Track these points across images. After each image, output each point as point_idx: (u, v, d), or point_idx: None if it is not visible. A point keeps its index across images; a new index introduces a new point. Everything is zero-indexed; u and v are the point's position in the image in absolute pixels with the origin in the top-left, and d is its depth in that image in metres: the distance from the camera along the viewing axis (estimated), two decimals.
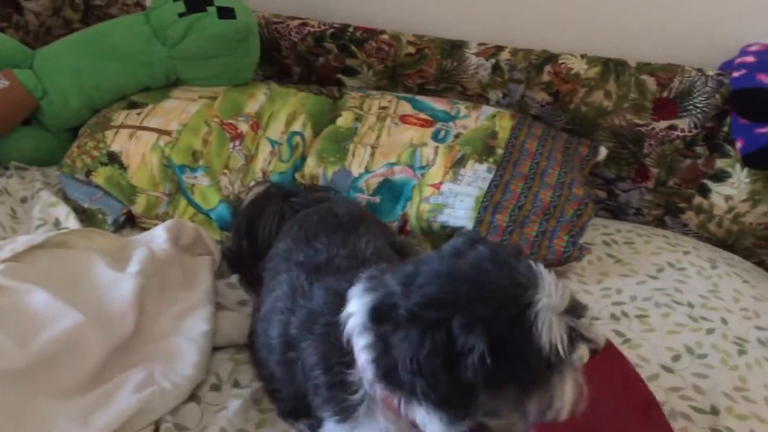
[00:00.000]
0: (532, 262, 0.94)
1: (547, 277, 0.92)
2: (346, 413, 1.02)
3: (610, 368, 1.11)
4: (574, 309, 0.94)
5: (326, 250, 1.24)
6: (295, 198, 1.56)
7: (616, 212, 2.08)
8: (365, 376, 0.99)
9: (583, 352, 0.95)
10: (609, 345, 1.12)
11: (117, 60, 1.80)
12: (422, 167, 1.70)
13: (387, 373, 0.95)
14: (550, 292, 0.91)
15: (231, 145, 1.74)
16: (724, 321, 1.49)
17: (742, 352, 1.39)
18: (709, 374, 1.31)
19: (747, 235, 1.96)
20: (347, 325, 1.00)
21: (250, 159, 1.74)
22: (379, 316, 0.96)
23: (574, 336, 0.92)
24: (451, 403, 0.91)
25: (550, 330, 0.88)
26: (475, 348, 0.87)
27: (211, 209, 1.65)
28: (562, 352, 0.88)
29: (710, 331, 1.44)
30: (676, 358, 1.35)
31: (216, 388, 1.20)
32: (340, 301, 1.05)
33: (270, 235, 1.46)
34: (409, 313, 0.91)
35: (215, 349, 1.28)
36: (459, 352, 0.88)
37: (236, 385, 1.22)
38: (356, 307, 1.00)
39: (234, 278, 1.48)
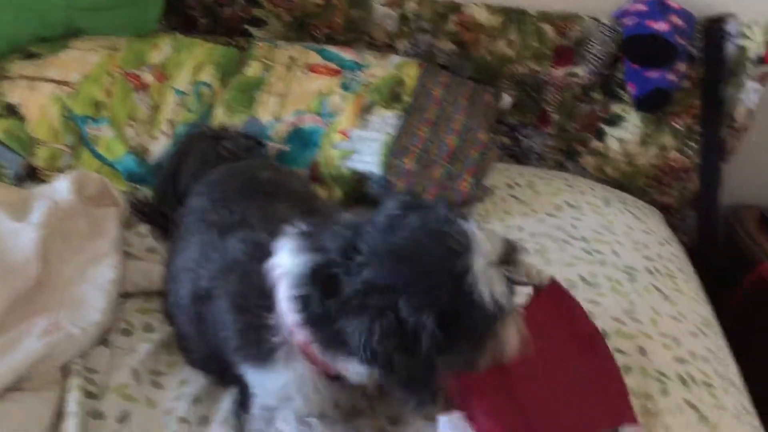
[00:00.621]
0: (462, 222, 0.95)
1: (479, 235, 0.93)
2: (262, 358, 1.03)
3: (556, 305, 1.17)
4: (509, 255, 0.95)
5: (241, 212, 1.23)
6: (224, 142, 1.55)
7: (520, 157, 2.16)
8: (286, 322, 1.00)
9: (522, 295, 1.03)
10: (555, 284, 1.18)
11: (8, 9, 1.73)
12: (331, 115, 1.72)
13: (325, 334, 0.97)
14: (485, 250, 0.92)
15: (135, 95, 1.71)
16: (615, 253, 1.59)
17: (631, 280, 1.49)
18: (601, 301, 1.41)
19: (639, 176, 2.08)
20: (273, 273, 1.02)
21: (155, 109, 1.71)
22: (318, 281, 0.96)
23: (512, 284, 0.95)
24: (413, 382, 0.94)
25: (490, 287, 0.91)
26: (425, 327, 0.90)
27: (117, 161, 1.63)
28: (503, 303, 0.92)
29: (603, 263, 1.54)
30: (572, 287, 1.44)
31: (127, 332, 1.21)
32: (260, 251, 1.06)
33: (193, 178, 1.44)
34: (355, 295, 0.93)
35: (126, 296, 1.28)
36: (410, 333, 0.91)
37: (148, 329, 1.23)
38: (289, 262, 1.00)
39: (143, 227, 1.47)
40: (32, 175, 1.63)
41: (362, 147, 1.66)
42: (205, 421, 1.06)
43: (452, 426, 0.95)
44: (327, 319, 0.95)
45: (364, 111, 1.71)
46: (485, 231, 0.95)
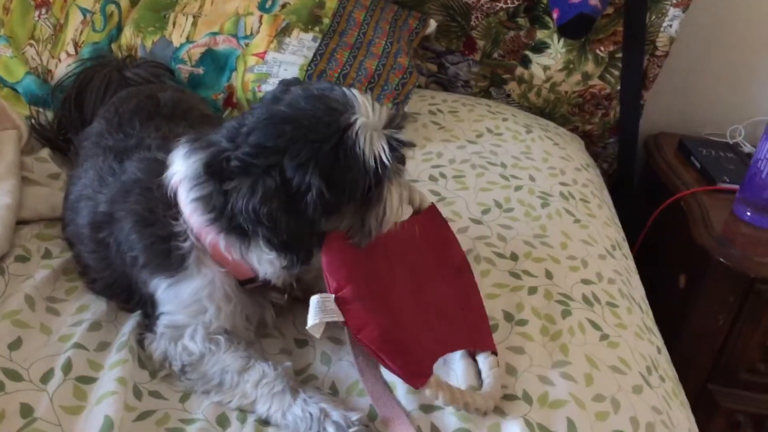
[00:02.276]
0: (345, 88, 0.98)
1: (362, 98, 0.96)
2: (173, 268, 1.02)
3: (433, 230, 1.16)
4: (393, 120, 0.98)
5: (138, 135, 1.20)
6: (132, 70, 1.49)
7: (446, 85, 2.14)
8: (192, 226, 1.00)
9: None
10: (434, 211, 1.17)
11: None
12: (246, 37, 1.66)
13: (224, 223, 0.97)
14: (367, 111, 0.95)
15: (36, 13, 1.61)
16: (531, 178, 1.60)
17: (545, 204, 1.51)
18: (513, 225, 1.42)
19: (562, 103, 2.09)
20: (171, 181, 1.00)
21: (59, 28, 1.63)
22: (212, 171, 0.96)
23: (395, 144, 0.97)
24: (295, 244, 0.95)
25: (372, 144, 0.93)
26: (311, 185, 0.91)
27: (17, 82, 1.55)
28: (386, 161, 0.94)
29: (518, 188, 1.55)
30: (485, 211, 1.45)
31: (23, 259, 1.17)
32: (158, 167, 1.04)
33: (95, 107, 1.40)
34: (240, 163, 0.94)
35: (24, 222, 1.23)
36: (296, 192, 0.92)
37: (47, 256, 1.19)
38: (183, 166, 1.00)
39: (45, 152, 1.41)
40: None
41: (278, 70, 1.61)
42: (104, 346, 1.04)
43: (321, 308, 0.92)
44: (230, 210, 0.95)
45: (281, 33, 1.66)
46: (369, 98, 0.97)
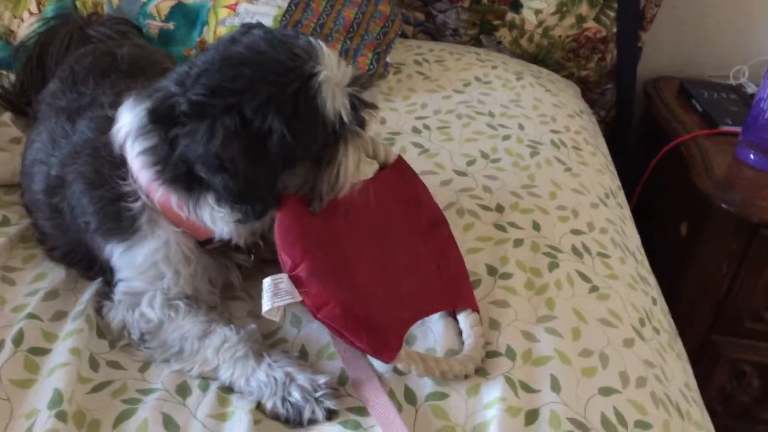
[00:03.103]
0: (311, 38, 0.91)
1: (327, 51, 0.90)
2: (125, 231, 0.96)
3: (401, 186, 1.09)
4: (357, 80, 0.93)
5: (92, 93, 1.12)
6: (95, 28, 1.41)
7: (435, 34, 2.05)
8: (142, 183, 0.93)
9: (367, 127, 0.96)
10: (402, 165, 1.10)
11: None
12: None
13: (171, 175, 0.90)
14: (331, 65, 0.89)
15: None
16: (521, 127, 1.52)
17: (534, 153, 1.44)
18: (499, 176, 1.35)
19: (556, 49, 1.99)
20: (118, 137, 0.94)
21: None
22: (158, 118, 0.90)
23: (357, 104, 0.92)
24: (254, 194, 0.88)
25: (333, 99, 0.88)
26: (273, 129, 0.85)
27: None
28: (345, 119, 0.89)
29: (506, 137, 1.48)
30: (471, 162, 1.38)
31: None
32: (110, 124, 0.97)
33: (57, 68, 1.32)
34: (192, 106, 0.87)
35: None
36: (256, 136, 0.85)
37: (4, 223, 1.13)
38: (129, 117, 0.93)
39: (6, 116, 1.34)
40: None
41: (251, 22, 1.53)
42: (60, 315, 0.99)
43: (274, 291, 0.86)
44: (178, 159, 0.88)
45: None
46: (334, 53, 0.92)
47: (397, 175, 1.09)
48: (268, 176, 0.89)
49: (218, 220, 0.93)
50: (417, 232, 1.07)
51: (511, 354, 0.98)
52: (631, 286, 1.20)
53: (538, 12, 1.95)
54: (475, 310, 1.03)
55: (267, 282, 0.87)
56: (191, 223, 0.95)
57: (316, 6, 1.58)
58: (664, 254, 1.71)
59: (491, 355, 0.98)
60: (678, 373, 1.11)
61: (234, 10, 1.54)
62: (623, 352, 1.03)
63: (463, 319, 1.02)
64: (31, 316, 0.97)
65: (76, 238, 1.03)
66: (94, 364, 0.94)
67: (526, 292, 1.09)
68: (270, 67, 0.87)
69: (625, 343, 1.05)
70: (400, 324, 0.94)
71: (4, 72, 1.45)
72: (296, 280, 0.88)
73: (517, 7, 1.96)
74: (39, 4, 1.54)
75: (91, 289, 1.04)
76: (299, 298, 0.87)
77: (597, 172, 1.48)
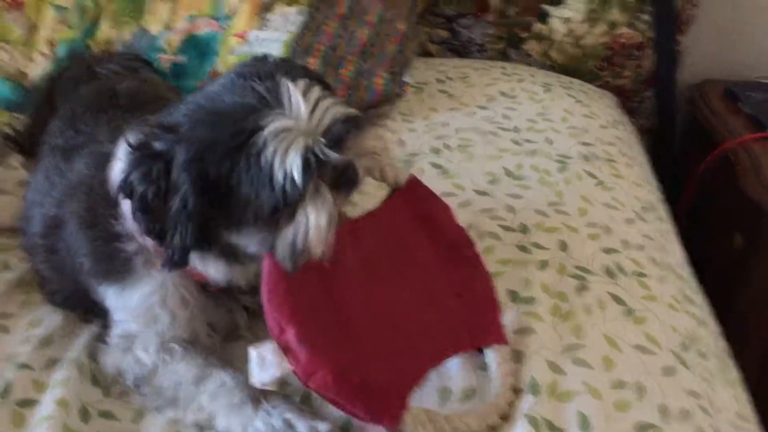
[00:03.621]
0: (286, 80, 0.81)
1: (295, 95, 0.79)
2: (119, 272, 0.92)
3: (415, 208, 0.98)
4: (339, 124, 0.81)
5: (89, 130, 1.08)
6: (104, 66, 1.39)
7: (460, 51, 1.99)
8: (131, 224, 0.88)
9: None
10: (416, 185, 0.99)
11: None
12: (227, 17, 1.54)
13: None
14: (297, 112, 0.79)
15: (8, 15, 1.53)
16: (548, 141, 1.43)
17: (562, 168, 1.35)
18: (524, 194, 1.26)
19: (588, 58, 1.90)
20: (113, 174, 0.89)
21: (32, 29, 1.54)
22: (140, 162, 0.82)
23: (320, 158, 0.79)
24: (164, 235, 0.81)
25: (284, 156, 0.77)
26: (180, 184, 0.78)
27: None
28: (297, 180, 0.77)
29: (532, 153, 1.39)
30: (493, 181, 1.30)
31: None
32: (104, 160, 0.93)
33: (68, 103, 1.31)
34: (139, 142, 0.82)
35: None
36: (172, 183, 0.79)
37: (4, 268, 1.10)
38: (122, 153, 0.88)
39: (15, 159, 1.33)
40: None
41: (261, 49, 1.49)
42: (52, 364, 0.94)
43: (260, 362, 0.78)
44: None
45: (264, 9, 1.53)
46: (316, 92, 0.80)
47: (411, 197, 0.99)
48: (179, 230, 0.80)
49: (209, 263, 0.87)
50: (434, 258, 0.98)
51: (535, 388, 0.89)
52: (673, 307, 1.09)
53: (566, 21, 1.86)
54: (503, 342, 0.94)
55: (252, 353, 0.80)
56: (186, 272, 0.89)
57: (328, 29, 1.53)
58: (716, 269, 1.59)
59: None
60: (729, 402, 0.99)
61: (244, 39, 1.50)
62: (663, 382, 0.93)
63: (491, 353, 0.92)
64: (22, 366, 0.93)
65: (74, 279, 0.99)
66: (84, 415, 0.88)
67: (552, 318, 1.00)
68: (212, 118, 0.80)
69: (665, 371, 0.95)
70: (407, 379, 0.84)
71: (15, 114, 1.44)
72: (284, 348, 0.79)
73: (544, 17, 1.88)
74: (51, 44, 1.53)
75: (87, 334, 0.99)
76: (288, 368, 0.79)
77: (633, 185, 1.38)
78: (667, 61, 1.89)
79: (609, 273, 1.10)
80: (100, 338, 0.97)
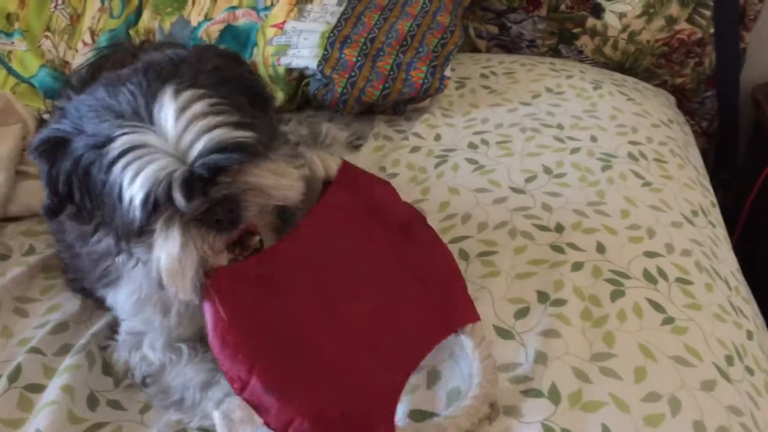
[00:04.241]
0: (170, 88, 0.73)
1: (166, 109, 0.71)
2: (112, 275, 0.89)
3: (356, 199, 0.89)
4: (213, 156, 0.71)
5: None
6: (145, 53, 1.40)
7: (510, 47, 1.92)
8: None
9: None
10: (349, 173, 0.90)
11: None
12: (266, 8, 1.53)
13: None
14: (162, 130, 0.70)
15: (52, 4, 1.56)
16: (593, 139, 1.36)
17: (606, 167, 1.27)
18: (563, 193, 1.20)
19: (645, 55, 1.81)
20: None
21: (75, 18, 1.56)
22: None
23: (188, 189, 0.71)
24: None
25: (133, 178, 0.69)
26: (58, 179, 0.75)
27: (32, 77, 1.49)
28: (137, 214, 0.70)
29: (575, 150, 1.32)
30: (530, 179, 1.24)
31: (2, 257, 1.09)
32: None
33: None
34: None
35: (13, 219, 1.15)
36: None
37: (29, 253, 1.10)
38: None
39: None
40: None
41: (298, 40, 1.46)
42: (64, 350, 0.93)
43: (228, 423, 0.71)
44: None
45: (302, 0, 1.51)
46: (198, 118, 0.70)
47: (348, 185, 0.89)
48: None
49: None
50: (389, 247, 0.88)
51: (554, 395, 0.83)
52: (719, 318, 1.01)
53: (622, 16, 1.78)
54: (476, 319, 0.87)
55: (216, 416, 0.73)
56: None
57: (367, 20, 1.49)
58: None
59: (530, 394, 0.83)
60: None
61: (281, 29, 1.48)
62: (700, 397, 0.86)
63: (466, 338, 0.86)
64: (33, 350, 0.92)
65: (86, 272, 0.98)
66: (93, 403, 0.87)
67: (582, 323, 0.94)
68: (84, 118, 0.75)
69: (704, 385, 0.88)
70: (388, 398, 0.77)
71: (56, 103, 1.45)
72: (251, 402, 0.73)
73: (598, 12, 1.80)
74: (93, 34, 1.54)
75: (102, 322, 0.98)
76: (260, 422, 0.73)
77: (684, 187, 1.29)
78: (730, 59, 1.79)
79: (649, 278, 1.03)
80: (112, 331, 0.95)
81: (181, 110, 0.70)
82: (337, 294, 0.81)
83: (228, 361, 0.74)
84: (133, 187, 0.69)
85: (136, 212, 0.70)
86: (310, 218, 0.84)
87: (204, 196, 0.72)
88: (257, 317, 0.76)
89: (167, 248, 0.72)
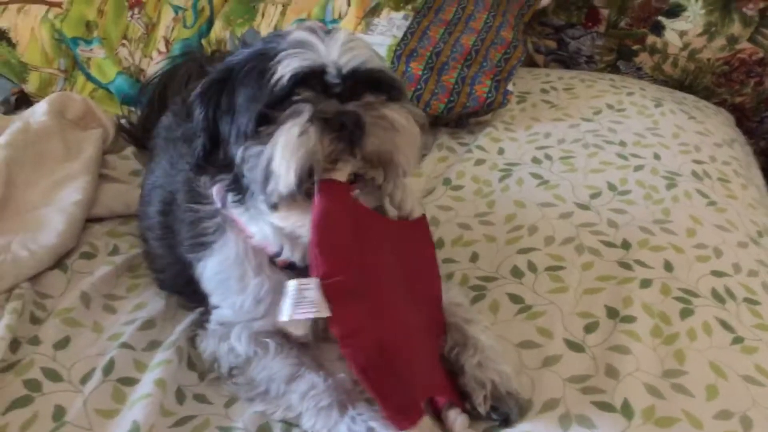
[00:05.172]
0: (342, 31, 0.84)
1: (338, 37, 0.82)
2: (203, 243, 0.95)
3: (418, 243, 0.93)
4: (358, 75, 0.81)
5: None
6: (214, 65, 1.45)
7: (568, 62, 1.94)
8: (218, 201, 0.92)
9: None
10: (423, 221, 0.95)
11: None
12: (334, 20, 1.57)
13: (229, 182, 0.87)
14: (325, 43, 0.81)
15: (129, 13, 1.62)
16: (656, 156, 1.38)
17: (671, 185, 1.29)
18: (628, 210, 1.21)
19: (705, 73, 1.82)
20: None
21: (151, 27, 1.62)
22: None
23: (327, 87, 0.80)
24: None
25: (288, 60, 0.79)
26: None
27: (110, 83, 1.56)
28: (283, 83, 0.79)
29: (639, 168, 1.34)
30: (595, 195, 1.26)
31: (89, 256, 1.14)
32: None
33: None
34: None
35: (96, 220, 1.21)
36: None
37: (114, 252, 1.15)
38: None
39: (129, 150, 1.39)
40: (28, 102, 1.58)
41: None
42: (153, 345, 0.98)
43: (298, 297, 0.72)
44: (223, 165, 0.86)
45: (370, 14, 1.55)
46: (354, 43, 0.81)
47: (413, 232, 0.93)
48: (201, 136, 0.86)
49: (247, 214, 0.88)
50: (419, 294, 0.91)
51: (628, 411, 0.85)
52: None
53: (683, 34, 1.79)
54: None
55: (292, 285, 0.75)
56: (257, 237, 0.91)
57: (432, 34, 1.53)
58: None
59: (602, 407, 0.85)
60: None
61: None
62: None
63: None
64: (124, 345, 0.97)
65: (180, 257, 1.02)
66: (180, 397, 0.91)
67: (652, 339, 0.95)
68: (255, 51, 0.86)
69: None
70: (422, 387, 0.80)
71: (132, 109, 1.51)
72: (328, 292, 0.74)
73: (659, 29, 1.81)
74: (167, 43, 1.60)
75: (188, 319, 1.02)
76: (327, 313, 0.73)
77: (748, 207, 1.30)
78: None
79: (717, 297, 1.04)
80: (200, 324, 0.99)
81: (348, 41, 0.81)
82: (402, 290, 0.86)
83: (326, 243, 0.75)
84: (288, 65, 0.78)
85: (284, 80, 0.78)
86: (393, 224, 0.88)
87: (341, 103, 0.79)
88: (357, 240, 0.79)
89: (289, 132, 0.77)
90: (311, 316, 0.74)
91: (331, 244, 0.77)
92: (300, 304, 0.74)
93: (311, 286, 0.74)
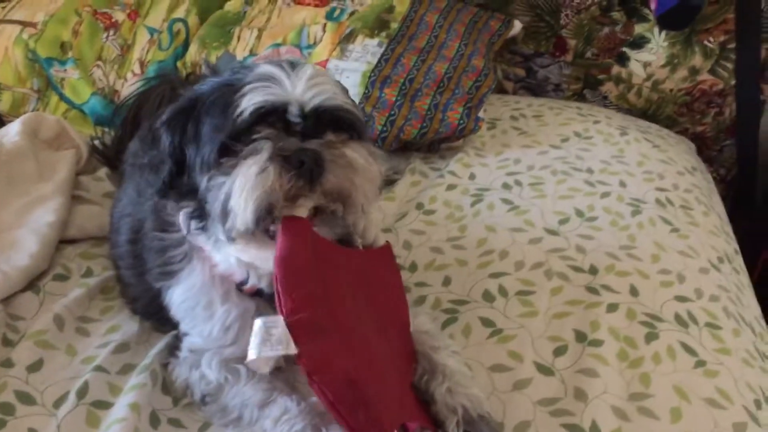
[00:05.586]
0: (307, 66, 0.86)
1: (303, 73, 0.84)
2: (173, 272, 0.96)
3: (384, 270, 0.95)
4: (321, 112, 0.83)
5: None
6: (188, 87, 1.46)
7: (536, 89, 1.99)
8: (183, 228, 0.92)
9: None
10: (388, 249, 0.97)
11: None
12: (309, 46, 1.59)
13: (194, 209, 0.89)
14: (291, 78, 0.83)
15: (104, 35, 1.62)
16: (622, 184, 1.42)
17: (636, 212, 1.33)
18: (595, 236, 1.25)
19: (667, 103, 1.88)
20: None
21: (126, 49, 1.63)
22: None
23: (287, 124, 0.82)
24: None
25: (251, 94, 0.81)
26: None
27: (84, 103, 1.55)
28: (244, 117, 0.80)
29: (605, 195, 1.37)
30: (563, 221, 1.29)
31: (61, 278, 1.14)
32: None
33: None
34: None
35: (69, 241, 1.20)
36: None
37: (87, 275, 1.15)
38: None
39: (102, 172, 1.39)
40: (0, 122, 1.57)
41: (340, 78, 1.52)
42: (127, 369, 0.98)
43: (266, 336, 0.73)
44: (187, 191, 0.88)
45: (345, 40, 1.58)
46: (319, 78, 0.83)
47: (378, 261, 0.95)
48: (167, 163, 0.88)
49: (213, 241, 0.89)
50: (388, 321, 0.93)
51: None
52: (747, 362, 1.05)
53: (646, 65, 1.85)
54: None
55: (258, 324, 0.76)
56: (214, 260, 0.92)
57: (406, 61, 1.56)
58: None
59: (571, 428, 0.88)
60: None
61: (324, 67, 1.54)
62: None
63: None
64: (98, 368, 0.96)
65: (150, 285, 1.02)
66: (155, 421, 0.91)
67: (619, 363, 0.98)
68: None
69: (736, 428, 0.92)
70: (393, 414, 0.80)
71: (106, 130, 1.51)
72: (294, 329, 0.75)
73: (623, 60, 1.87)
74: (142, 65, 1.61)
75: (162, 343, 1.03)
76: (294, 351, 0.74)
77: (709, 234, 1.35)
78: (750, 110, 1.85)
79: (681, 322, 1.08)
80: (172, 350, 0.99)
81: (313, 76, 0.83)
82: (369, 314, 0.87)
83: (289, 282, 0.76)
84: (251, 99, 0.80)
85: (245, 114, 0.79)
86: (341, 250, 0.89)
87: (302, 140, 0.81)
88: (320, 271, 0.80)
89: (248, 170, 0.79)
90: (279, 353, 0.75)
91: (296, 281, 0.78)
92: (267, 342, 0.75)
93: (277, 324, 0.76)
